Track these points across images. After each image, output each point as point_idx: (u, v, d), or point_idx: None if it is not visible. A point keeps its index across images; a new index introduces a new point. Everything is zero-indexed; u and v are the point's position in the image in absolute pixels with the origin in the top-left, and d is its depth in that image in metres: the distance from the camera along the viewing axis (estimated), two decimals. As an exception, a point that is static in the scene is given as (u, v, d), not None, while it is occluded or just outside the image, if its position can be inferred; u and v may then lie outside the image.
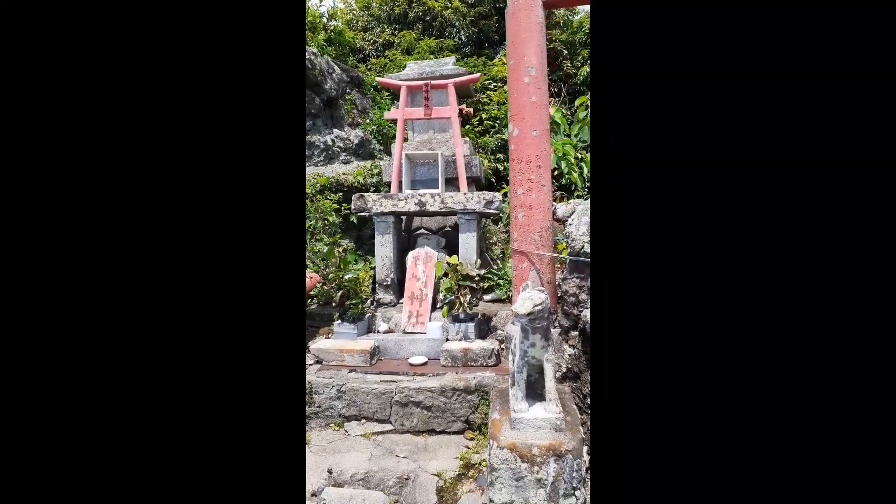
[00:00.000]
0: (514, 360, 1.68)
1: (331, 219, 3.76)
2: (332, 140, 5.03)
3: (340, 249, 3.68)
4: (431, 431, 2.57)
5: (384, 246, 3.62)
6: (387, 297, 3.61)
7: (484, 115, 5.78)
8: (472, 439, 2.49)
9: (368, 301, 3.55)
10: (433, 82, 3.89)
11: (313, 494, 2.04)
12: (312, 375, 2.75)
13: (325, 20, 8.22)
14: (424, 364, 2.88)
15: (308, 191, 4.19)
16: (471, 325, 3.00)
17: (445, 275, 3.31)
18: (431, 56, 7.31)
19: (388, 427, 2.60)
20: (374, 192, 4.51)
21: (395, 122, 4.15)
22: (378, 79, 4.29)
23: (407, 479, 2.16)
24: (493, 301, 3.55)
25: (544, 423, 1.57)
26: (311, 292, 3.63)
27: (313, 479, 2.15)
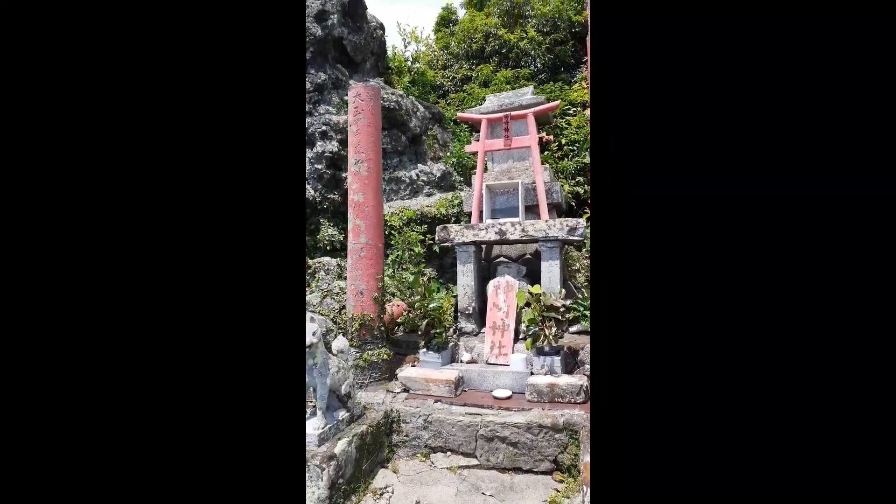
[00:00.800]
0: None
1: (416, 249, 3.93)
2: (417, 175, 5.32)
3: (424, 278, 3.82)
4: (518, 469, 2.49)
5: (465, 275, 3.68)
6: (469, 325, 3.64)
7: (563, 140, 5.71)
8: (561, 481, 2.36)
9: (451, 330, 3.61)
10: (513, 113, 3.96)
11: (402, 525, 2.07)
12: (400, 404, 2.84)
13: (409, 63, 8.86)
14: (509, 398, 2.82)
15: (395, 223, 4.45)
16: (556, 359, 2.89)
17: (527, 304, 3.26)
18: (508, 86, 7.47)
19: (474, 461, 2.57)
20: (454, 222, 4.66)
21: (475, 153, 4.28)
22: (459, 114, 4.48)
23: (494, 520, 2.09)
24: (578, 333, 3.39)
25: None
26: (399, 320, 3.79)
27: (402, 509, 2.19)
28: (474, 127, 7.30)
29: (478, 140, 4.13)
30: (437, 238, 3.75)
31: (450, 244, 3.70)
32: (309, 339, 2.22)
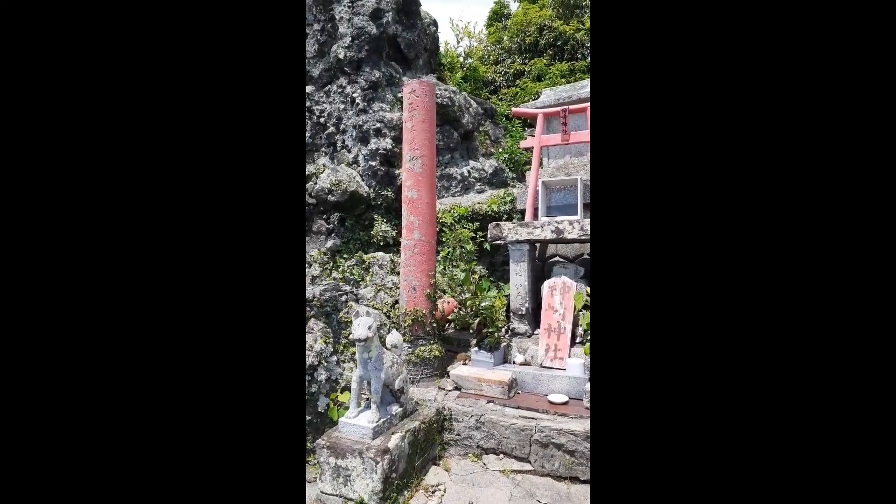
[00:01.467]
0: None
1: (468, 247, 3.89)
2: (468, 171, 5.27)
3: (475, 277, 3.77)
4: (575, 479, 2.37)
5: (519, 274, 3.58)
6: (521, 326, 3.54)
7: (624, 134, 5.41)
8: (622, 496, 2.22)
9: (503, 330, 3.53)
10: (571, 107, 3.79)
11: (455, 526, 2.04)
12: (452, 402, 2.81)
13: (461, 59, 8.82)
14: (565, 403, 2.70)
15: (447, 220, 4.43)
16: (617, 365, 2.72)
17: (586, 307, 3.10)
18: (563, 80, 7.21)
19: (528, 466, 2.49)
20: (506, 219, 4.56)
21: (529, 149, 4.16)
22: (513, 109, 4.37)
23: (550, 530, 2.00)
24: (641, 338, 3.18)
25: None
26: (450, 317, 3.77)
27: (454, 510, 2.16)
28: (527, 122, 7.14)
29: (532, 136, 4.01)
30: (489, 236, 3.68)
31: (502, 242, 3.62)
32: (364, 332, 2.24)
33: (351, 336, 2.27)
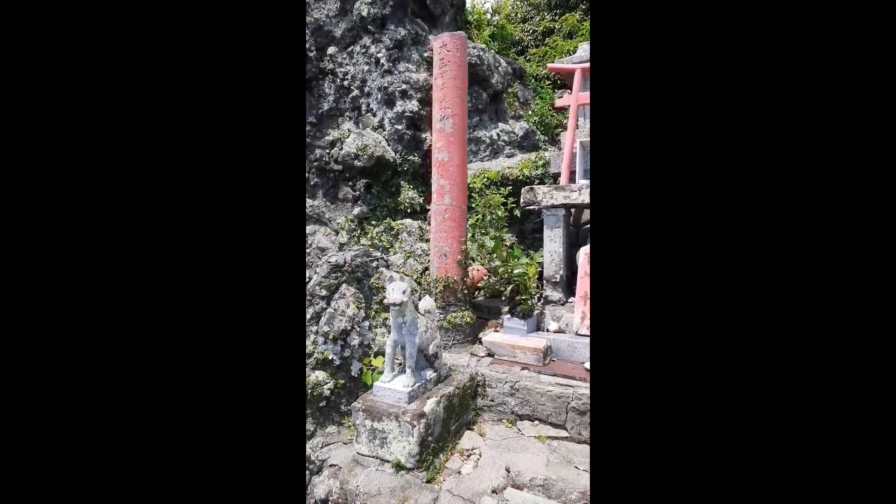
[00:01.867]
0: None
1: (499, 213, 3.75)
2: (497, 134, 5.05)
3: (506, 243, 3.65)
4: (613, 447, 2.32)
5: (553, 241, 3.45)
6: (555, 294, 3.43)
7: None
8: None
9: (536, 297, 3.44)
10: (612, 60, 3.51)
11: (493, 491, 2.03)
12: (485, 368, 2.77)
13: (488, 16, 8.36)
14: (603, 371, 2.62)
15: (477, 185, 4.29)
16: (660, 334, 2.60)
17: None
18: (598, 35, 6.71)
19: (563, 433, 2.45)
20: (538, 184, 4.37)
21: (562, 110, 3.91)
22: (549, 65, 4.10)
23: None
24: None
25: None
26: (479, 284, 3.70)
27: (491, 474, 2.15)
28: (559, 82, 6.76)
29: (568, 94, 3.76)
30: (522, 201, 3.53)
31: (536, 207, 3.47)
32: (399, 297, 2.19)
33: (385, 300, 2.23)
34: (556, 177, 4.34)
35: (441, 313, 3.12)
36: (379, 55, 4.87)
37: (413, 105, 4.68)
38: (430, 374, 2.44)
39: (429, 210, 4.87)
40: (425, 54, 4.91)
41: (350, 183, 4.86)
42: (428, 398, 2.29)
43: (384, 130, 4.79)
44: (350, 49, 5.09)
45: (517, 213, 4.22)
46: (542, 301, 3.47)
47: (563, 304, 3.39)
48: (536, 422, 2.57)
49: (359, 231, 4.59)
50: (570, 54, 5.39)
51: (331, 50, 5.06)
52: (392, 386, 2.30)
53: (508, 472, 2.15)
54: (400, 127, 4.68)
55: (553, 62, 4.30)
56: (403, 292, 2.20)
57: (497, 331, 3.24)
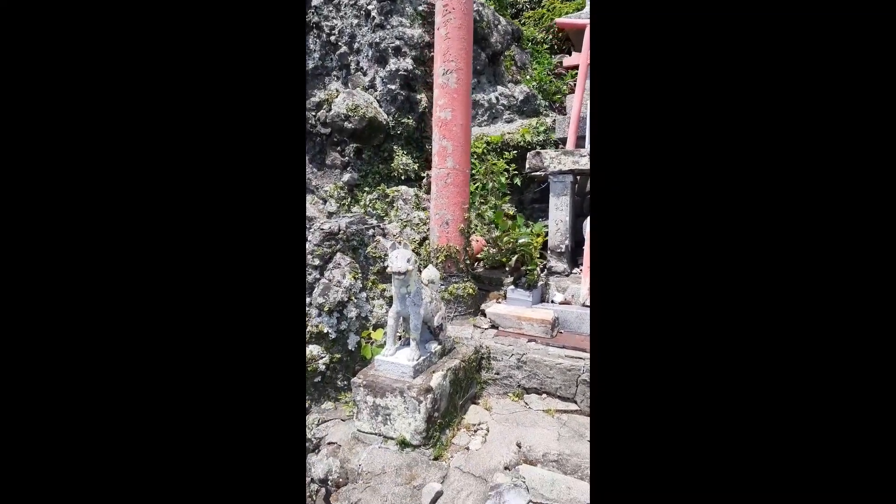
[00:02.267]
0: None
1: (503, 179, 3.56)
2: (497, 98, 4.79)
3: (509, 213, 3.48)
4: (625, 421, 2.24)
5: (559, 209, 3.28)
6: (559, 265, 3.30)
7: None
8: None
9: (539, 268, 3.31)
10: (625, 15, 3.27)
11: (506, 468, 1.93)
12: (490, 340, 2.65)
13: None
14: (614, 343, 2.52)
15: (479, 149, 4.06)
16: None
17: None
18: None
19: (573, 407, 2.36)
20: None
21: (572, 68, 3.68)
22: (557, 20, 3.82)
23: (607, 472, 1.89)
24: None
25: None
26: (479, 255, 3.54)
27: (501, 450, 2.04)
28: (557, 47, 6.45)
29: (576, 53, 3.51)
30: (527, 166, 3.34)
31: (542, 172, 3.28)
32: (403, 265, 2.01)
33: (388, 269, 2.04)
34: (557, 144, 4.14)
35: (441, 284, 2.96)
36: (369, 7, 4.49)
37: (407, 63, 4.35)
38: (434, 346, 2.29)
39: (423, 178, 4.63)
40: (420, 7, 4.54)
41: (339, 148, 4.56)
42: (433, 372, 2.15)
43: (375, 91, 4.47)
44: (337, 1, 4.68)
45: (517, 181, 4.03)
46: (545, 272, 3.34)
47: (567, 276, 3.26)
48: (544, 395, 2.47)
49: (349, 199, 4.34)
50: (580, 10, 5.08)
51: (315, 1, 4.64)
52: (395, 360, 2.14)
53: (519, 447, 2.05)
54: (393, 87, 4.36)
55: (560, 18, 4.02)
56: (408, 260, 2.02)
57: (499, 302, 3.11)
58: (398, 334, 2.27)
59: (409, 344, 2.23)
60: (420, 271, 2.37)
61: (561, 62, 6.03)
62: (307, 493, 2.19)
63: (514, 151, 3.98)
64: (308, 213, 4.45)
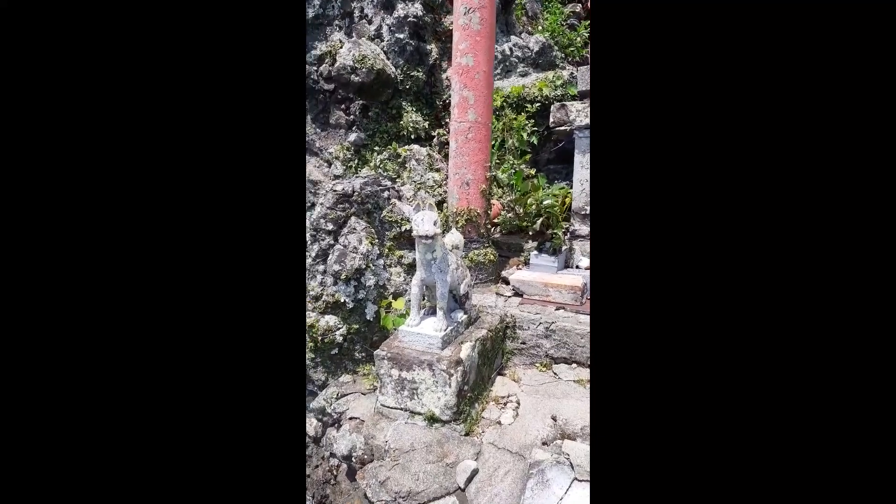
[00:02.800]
0: None
1: (524, 135, 3.30)
2: (511, 49, 4.42)
3: (530, 173, 3.24)
4: (663, 392, 2.12)
5: (584, 167, 3.05)
6: (584, 228, 3.11)
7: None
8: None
9: (562, 231, 3.11)
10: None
11: (544, 443, 1.82)
12: (514, 309, 2.50)
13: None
14: (650, 311, 2.37)
15: (497, 103, 3.77)
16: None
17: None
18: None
19: (607, 378, 2.24)
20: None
21: (581, 23, 3.33)
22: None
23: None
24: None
25: None
26: (496, 220, 3.34)
27: (536, 424, 1.93)
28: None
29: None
30: (551, 120, 3.08)
31: (569, 128, 3.03)
32: (431, 228, 1.81)
33: (414, 233, 1.85)
34: (576, 98, 3.84)
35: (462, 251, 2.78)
36: (372, -55, 4.05)
37: (416, 8, 3.97)
38: (461, 316, 2.14)
39: (434, 137, 4.35)
40: (428, -55, 4.09)
41: (343, 105, 4.24)
42: (462, 343, 2.01)
43: (382, 41, 4.11)
44: (336, -63, 4.21)
45: (533, 140, 3.77)
46: (569, 235, 3.16)
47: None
48: (574, 365, 2.35)
49: (356, 160, 4.08)
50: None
51: (313, -62, 4.18)
52: (421, 330, 1.99)
53: (555, 420, 1.93)
54: (401, 36, 4.00)
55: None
56: (434, 223, 1.82)
57: (520, 269, 2.94)
58: (422, 303, 2.11)
59: (433, 313, 2.07)
60: (448, 235, 2.18)
61: (574, 11, 5.60)
62: (327, 468, 2.09)
63: (535, 105, 3.68)
64: (313, 177, 4.20)
